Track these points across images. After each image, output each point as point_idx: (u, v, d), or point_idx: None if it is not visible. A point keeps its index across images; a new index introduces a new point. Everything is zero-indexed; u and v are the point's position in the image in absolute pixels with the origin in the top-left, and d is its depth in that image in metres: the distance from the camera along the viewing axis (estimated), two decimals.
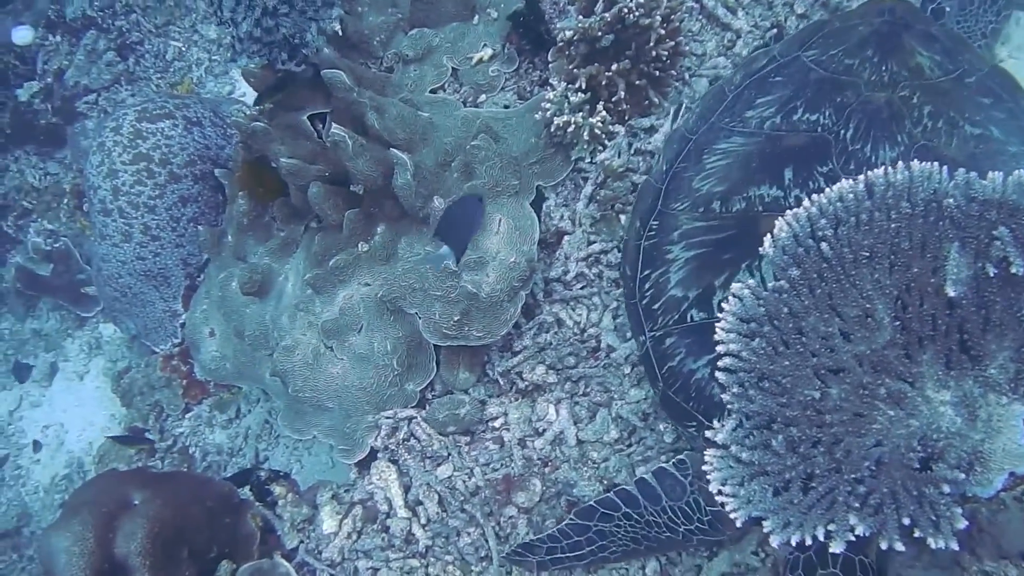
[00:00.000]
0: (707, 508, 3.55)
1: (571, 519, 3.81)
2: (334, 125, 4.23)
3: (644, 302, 3.70)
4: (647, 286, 3.69)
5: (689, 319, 3.54)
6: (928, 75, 3.57)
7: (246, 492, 4.51)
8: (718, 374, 2.90)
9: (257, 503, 4.50)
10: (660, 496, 3.64)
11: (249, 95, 4.75)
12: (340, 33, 4.67)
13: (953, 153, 3.41)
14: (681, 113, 4.29)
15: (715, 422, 2.92)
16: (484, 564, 4.13)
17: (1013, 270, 2.70)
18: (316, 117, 4.71)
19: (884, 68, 3.59)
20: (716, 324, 2.90)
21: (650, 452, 4.06)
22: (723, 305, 2.91)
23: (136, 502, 4.05)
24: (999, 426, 2.77)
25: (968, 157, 3.40)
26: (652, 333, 3.64)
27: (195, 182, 5.49)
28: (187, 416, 5.78)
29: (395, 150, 4.13)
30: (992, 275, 2.74)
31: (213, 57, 7.13)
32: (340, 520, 4.34)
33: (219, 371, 5.05)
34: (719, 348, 2.88)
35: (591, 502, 3.77)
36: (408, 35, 4.85)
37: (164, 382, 5.75)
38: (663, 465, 3.68)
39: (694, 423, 3.49)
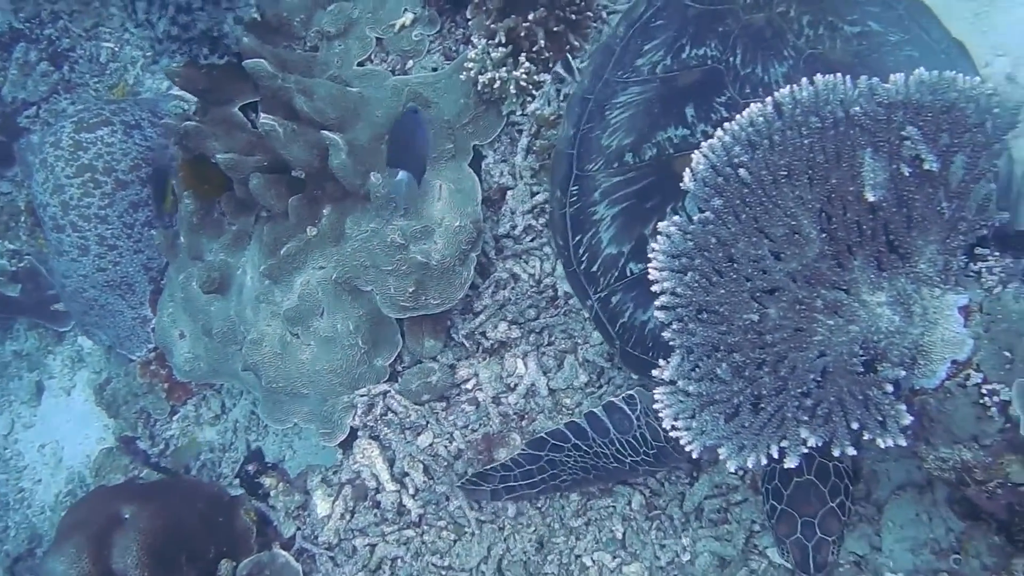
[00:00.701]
0: (653, 442, 3.65)
1: (523, 449, 3.92)
2: (263, 115, 4.22)
3: (583, 267, 3.72)
4: (581, 251, 3.72)
5: (629, 273, 3.57)
6: None
7: (237, 488, 4.58)
8: (657, 313, 2.93)
9: (250, 498, 4.56)
10: (608, 429, 3.73)
11: None
12: (259, 19, 4.64)
13: (839, 56, 3.44)
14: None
15: (660, 361, 2.96)
16: (478, 524, 4.22)
17: (926, 167, 2.76)
18: (249, 107, 4.69)
19: None
20: (648, 265, 2.93)
21: (620, 391, 4.11)
22: (652, 245, 2.93)
23: (127, 516, 4.12)
24: (935, 317, 2.85)
25: (855, 56, 3.44)
26: (598, 295, 3.67)
27: (143, 186, 5.48)
28: (175, 418, 5.81)
29: (327, 132, 4.12)
30: (908, 174, 2.80)
31: (147, 53, 7.06)
32: (332, 502, 4.41)
33: (194, 371, 5.09)
34: (654, 288, 2.91)
35: (542, 434, 3.87)
36: (327, 11, 4.80)
37: (146, 388, 5.77)
38: (612, 399, 3.77)
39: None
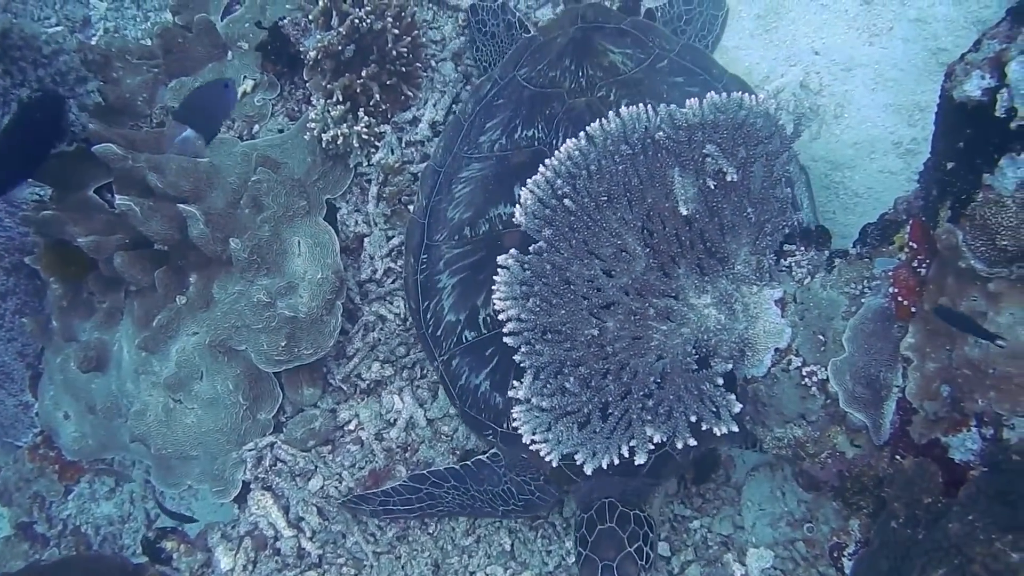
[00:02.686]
0: (520, 496, 3.95)
1: (405, 481, 4.19)
2: (118, 196, 4.35)
3: (430, 331, 3.98)
4: (429, 316, 3.98)
5: (464, 340, 3.84)
6: (622, 70, 3.92)
7: (140, 557, 4.68)
8: (506, 339, 3.18)
9: (153, 563, 4.66)
10: (482, 480, 4.02)
11: None
12: (103, 103, 4.75)
13: None
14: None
15: (514, 382, 3.22)
16: (375, 556, 4.42)
17: (728, 178, 3.07)
18: (105, 187, 4.79)
19: (580, 74, 3.93)
20: (493, 295, 3.17)
21: None
22: (495, 277, 3.18)
23: None
24: (756, 312, 3.19)
25: None
26: (441, 357, 3.93)
27: (8, 275, 5.50)
28: (70, 497, 5.85)
29: (182, 205, 4.28)
30: (714, 187, 3.11)
31: None
32: (234, 555, 4.55)
33: (83, 450, 5.17)
34: (500, 317, 3.17)
35: (423, 471, 4.15)
36: (169, 87, 4.96)
37: (37, 472, 5.79)
38: (480, 457, 4.04)
39: (490, 431, 3.80)
